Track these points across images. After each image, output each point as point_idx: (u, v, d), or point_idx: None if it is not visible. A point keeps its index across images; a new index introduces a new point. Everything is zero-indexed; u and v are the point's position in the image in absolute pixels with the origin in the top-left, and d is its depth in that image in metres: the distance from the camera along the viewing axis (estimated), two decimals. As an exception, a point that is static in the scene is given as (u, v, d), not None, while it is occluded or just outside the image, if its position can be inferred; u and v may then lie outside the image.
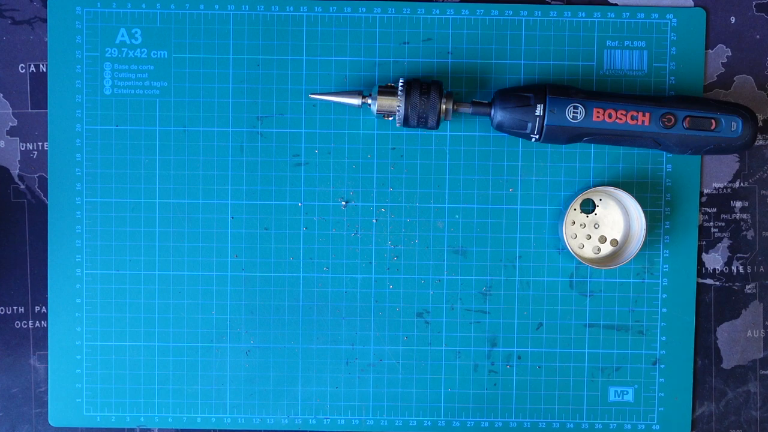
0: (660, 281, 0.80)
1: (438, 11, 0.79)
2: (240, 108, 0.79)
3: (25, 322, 0.80)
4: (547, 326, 0.80)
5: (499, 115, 0.76)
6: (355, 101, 0.77)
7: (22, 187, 0.80)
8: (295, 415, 0.80)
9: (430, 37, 0.79)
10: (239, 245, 0.79)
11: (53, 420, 0.80)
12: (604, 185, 0.78)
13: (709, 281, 0.81)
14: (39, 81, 0.79)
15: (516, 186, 0.80)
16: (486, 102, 0.77)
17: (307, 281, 0.80)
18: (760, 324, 0.81)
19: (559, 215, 0.79)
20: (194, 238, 0.79)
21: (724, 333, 0.81)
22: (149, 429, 0.80)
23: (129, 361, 0.80)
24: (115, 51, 0.79)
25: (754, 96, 0.80)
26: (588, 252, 0.80)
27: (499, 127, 0.77)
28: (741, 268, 0.80)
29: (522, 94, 0.76)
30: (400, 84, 0.76)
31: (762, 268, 0.81)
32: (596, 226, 0.80)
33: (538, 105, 0.75)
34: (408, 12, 0.79)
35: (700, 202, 0.80)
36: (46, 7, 0.79)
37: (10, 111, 0.79)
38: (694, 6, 0.79)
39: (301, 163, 0.79)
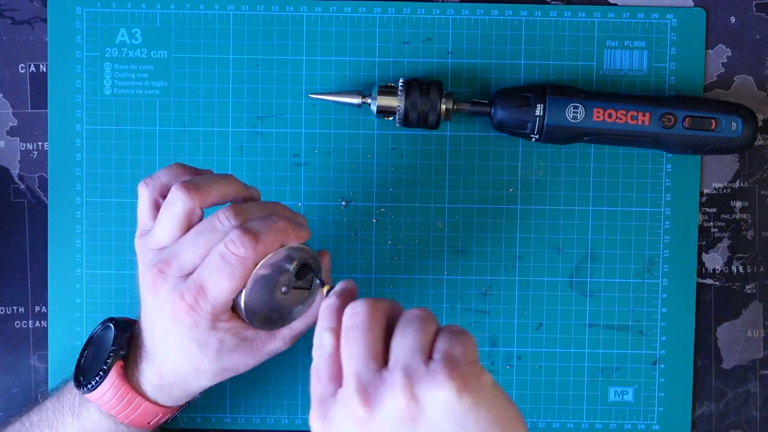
0: (660, 281, 0.80)
1: (438, 11, 0.79)
2: (240, 108, 0.79)
3: (25, 322, 0.80)
4: (547, 326, 0.80)
5: (499, 115, 0.76)
6: (355, 101, 0.77)
7: (22, 187, 0.80)
8: (295, 415, 0.80)
9: (430, 37, 0.79)
10: (239, 245, 0.79)
11: (53, 420, 0.80)
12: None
13: (709, 281, 0.80)
14: (39, 81, 0.79)
15: (516, 186, 0.79)
16: (486, 102, 0.77)
17: (307, 281, 0.80)
18: (760, 324, 0.81)
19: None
20: (194, 238, 0.79)
21: (724, 333, 0.81)
22: (149, 429, 0.80)
23: (129, 361, 0.80)
24: (115, 51, 0.79)
25: (754, 96, 0.80)
26: None
27: (499, 127, 0.77)
28: (741, 268, 0.80)
29: (522, 94, 0.76)
30: (400, 84, 0.76)
31: (762, 268, 0.81)
32: None
33: (538, 105, 0.75)
34: (408, 12, 0.79)
35: (700, 202, 0.80)
36: (46, 7, 0.79)
37: (10, 111, 0.79)
38: (694, 6, 0.79)
39: (301, 163, 0.79)
